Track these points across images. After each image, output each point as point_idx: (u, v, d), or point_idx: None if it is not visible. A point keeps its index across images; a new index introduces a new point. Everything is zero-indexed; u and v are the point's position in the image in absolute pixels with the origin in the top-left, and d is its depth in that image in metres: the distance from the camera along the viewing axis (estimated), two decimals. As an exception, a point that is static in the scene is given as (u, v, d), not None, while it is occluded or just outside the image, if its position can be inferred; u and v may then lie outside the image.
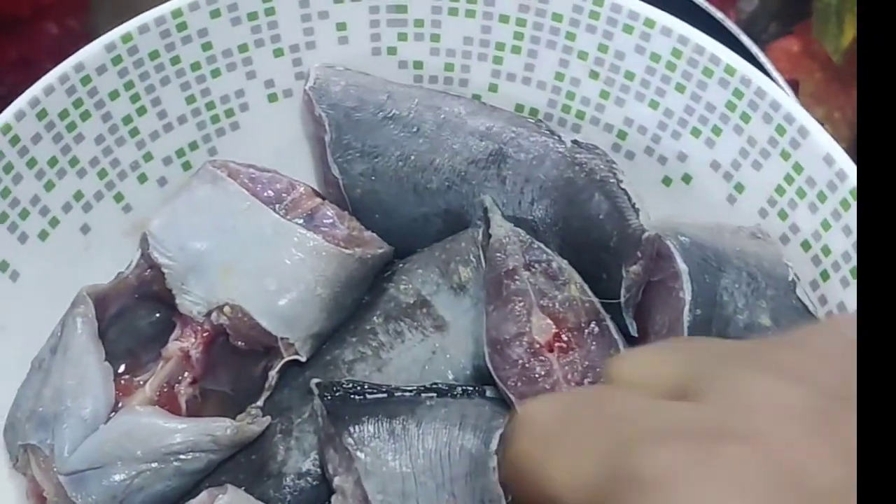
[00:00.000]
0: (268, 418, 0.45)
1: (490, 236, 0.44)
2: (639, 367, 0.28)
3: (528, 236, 0.44)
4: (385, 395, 0.42)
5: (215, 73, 0.50)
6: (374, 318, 0.47)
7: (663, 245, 0.42)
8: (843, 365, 0.25)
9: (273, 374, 0.46)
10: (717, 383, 0.25)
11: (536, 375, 0.40)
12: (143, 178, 0.51)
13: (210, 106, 0.51)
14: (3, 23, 0.65)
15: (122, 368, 0.46)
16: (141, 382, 0.46)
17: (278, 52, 0.51)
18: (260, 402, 0.46)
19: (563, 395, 0.38)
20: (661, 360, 0.27)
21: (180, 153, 0.51)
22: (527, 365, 0.41)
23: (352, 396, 0.42)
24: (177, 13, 0.48)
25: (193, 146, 0.52)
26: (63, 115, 0.47)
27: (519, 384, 0.41)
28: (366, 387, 0.43)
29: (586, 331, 0.42)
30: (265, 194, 0.48)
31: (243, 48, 0.50)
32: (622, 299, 0.43)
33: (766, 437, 0.24)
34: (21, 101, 0.46)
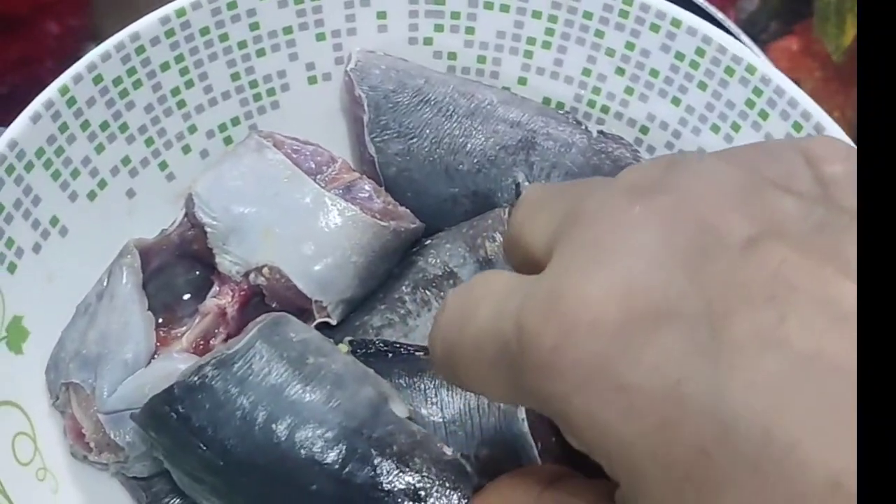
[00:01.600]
0: (298, 373, 0.47)
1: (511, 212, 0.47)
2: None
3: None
4: (415, 352, 0.45)
5: (260, 53, 0.53)
6: (403, 287, 0.49)
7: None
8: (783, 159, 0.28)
9: (306, 334, 0.48)
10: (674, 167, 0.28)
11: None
12: (186, 149, 0.53)
13: (253, 84, 0.54)
14: (4, 22, 0.67)
15: (160, 321, 0.48)
16: (178, 335, 0.49)
17: (320, 37, 0.53)
18: (292, 360, 0.48)
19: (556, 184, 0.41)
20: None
21: (223, 127, 0.54)
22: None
23: (383, 353, 0.44)
24: (228, -8, 0.51)
25: (235, 121, 0.54)
26: (117, 81, 0.50)
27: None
28: (398, 345, 0.45)
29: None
30: (307, 165, 0.50)
31: (288, 30, 0.53)
32: None
33: (694, 195, 0.27)
34: (80, 65, 0.48)
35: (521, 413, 0.42)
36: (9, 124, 0.58)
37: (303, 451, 0.40)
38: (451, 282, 0.48)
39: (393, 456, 0.40)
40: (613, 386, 0.25)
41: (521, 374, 0.27)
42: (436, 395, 0.43)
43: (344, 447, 0.40)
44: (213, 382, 0.41)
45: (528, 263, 0.30)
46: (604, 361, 0.25)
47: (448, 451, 0.40)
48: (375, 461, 0.40)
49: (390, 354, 0.44)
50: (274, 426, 0.40)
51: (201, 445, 0.41)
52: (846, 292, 0.24)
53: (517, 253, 0.32)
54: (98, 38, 0.80)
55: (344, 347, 0.44)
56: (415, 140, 0.52)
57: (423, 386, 0.43)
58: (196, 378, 0.42)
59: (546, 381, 0.26)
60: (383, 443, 0.40)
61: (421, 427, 0.42)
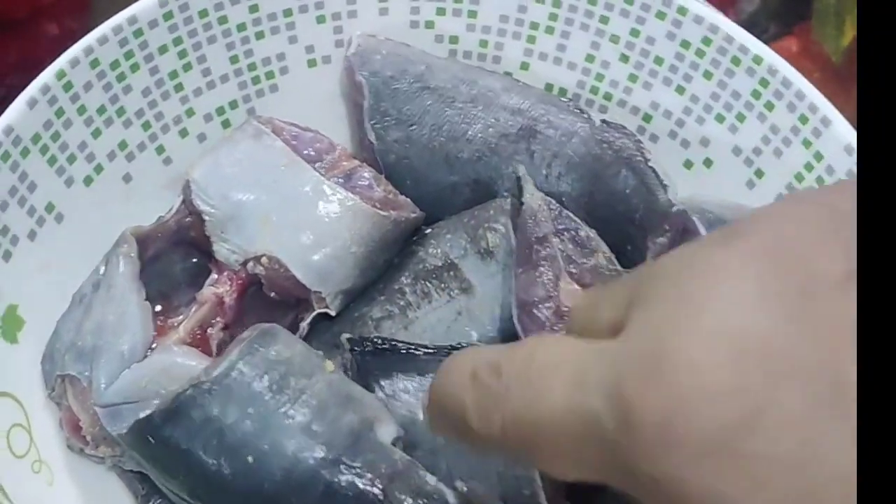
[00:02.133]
0: (296, 364, 0.46)
1: (522, 204, 0.46)
2: None
3: (557, 205, 0.46)
4: (414, 351, 0.44)
5: (259, 36, 0.52)
6: (403, 278, 0.49)
7: (690, 220, 0.44)
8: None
9: (304, 325, 0.47)
10: None
11: (562, 336, 0.42)
12: (184, 133, 0.52)
13: (252, 67, 0.53)
14: (3, 24, 0.66)
15: (156, 309, 0.48)
16: (175, 324, 0.48)
17: (321, 19, 0.53)
18: (289, 352, 0.47)
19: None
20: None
21: (220, 111, 0.53)
22: (554, 328, 0.43)
23: (381, 351, 0.44)
24: (228, -26, 0.50)
25: (233, 105, 0.53)
26: (114, 65, 0.49)
27: (546, 343, 0.42)
28: (395, 342, 0.45)
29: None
30: (306, 152, 0.49)
31: (288, 13, 0.52)
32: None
33: (785, 235, 0.25)
34: (76, 49, 0.47)
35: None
36: None
37: (280, 481, 0.40)
38: (452, 273, 0.48)
39: (373, 486, 0.40)
40: (737, 457, 0.23)
41: (623, 452, 0.24)
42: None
43: (323, 477, 0.40)
44: (191, 410, 0.41)
45: (593, 331, 0.28)
46: (723, 431, 0.23)
47: (431, 480, 0.40)
48: (354, 491, 0.40)
49: (387, 355, 0.44)
50: (252, 455, 0.40)
51: (181, 472, 0.41)
52: None
53: (580, 322, 0.29)
54: None
55: (330, 366, 0.44)
56: (415, 127, 0.51)
57: (423, 389, 0.43)
58: (175, 405, 0.42)
59: (658, 458, 0.23)
60: (363, 472, 0.40)
61: (403, 455, 0.41)
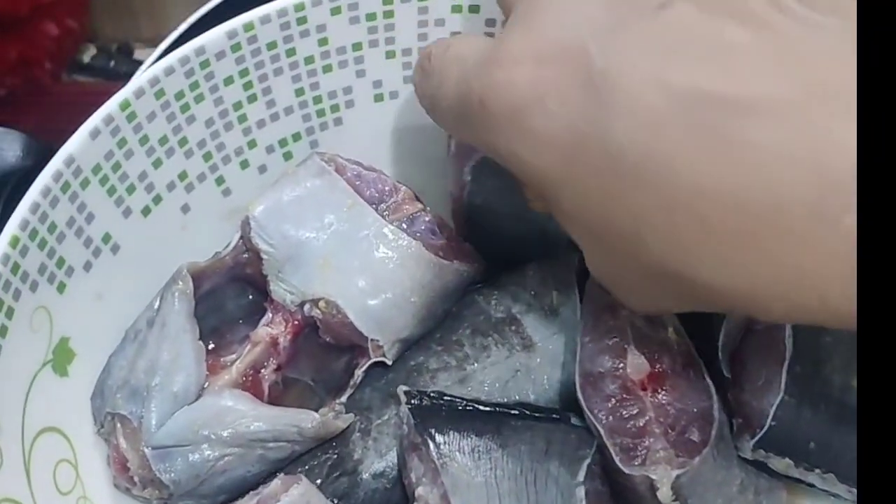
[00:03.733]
0: (351, 415, 0.45)
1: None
2: None
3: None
4: (471, 408, 0.43)
5: (327, 69, 0.51)
6: (462, 329, 0.47)
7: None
8: None
9: (359, 373, 0.46)
10: None
11: (628, 413, 0.41)
12: (244, 164, 0.52)
13: (317, 100, 0.52)
14: (3, 23, 0.66)
15: (209, 347, 0.47)
16: (227, 363, 0.47)
17: (390, 54, 0.51)
18: (343, 399, 0.46)
19: None
20: None
21: (283, 143, 0.52)
22: (619, 401, 0.41)
23: (439, 407, 0.43)
24: (299, 6, 0.49)
25: (296, 137, 0.52)
26: (179, 95, 0.48)
27: (610, 419, 0.41)
28: (454, 399, 0.43)
29: (681, 374, 0.42)
30: (368, 193, 0.48)
31: (357, 47, 0.51)
32: (720, 342, 0.43)
33: None
34: (142, 79, 0.47)
35: (580, 493, 0.40)
36: (8, 124, 0.58)
37: None
38: (513, 328, 0.47)
39: None
40: (523, 129, 0.32)
41: (468, 129, 0.35)
42: (492, 463, 0.41)
43: None
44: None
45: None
46: (516, 110, 0.32)
47: None
48: None
49: (445, 409, 0.43)
50: None
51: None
52: (737, 34, 0.28)
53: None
54: (95, 40, 0.79)
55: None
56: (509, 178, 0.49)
57: (479, 450, 0.41)
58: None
59: (480, 129, 0.34)
60: None
61: None
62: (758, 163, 0.27)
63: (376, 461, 0.45)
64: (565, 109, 0.31)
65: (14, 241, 0.43)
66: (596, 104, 0.30)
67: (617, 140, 0.29)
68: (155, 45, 0.64)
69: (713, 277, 0.29)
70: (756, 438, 0.42)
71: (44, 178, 0.44)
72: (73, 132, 0.45)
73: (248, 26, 0.48)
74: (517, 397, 0.46)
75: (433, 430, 0.42)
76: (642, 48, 0.29)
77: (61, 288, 0.46)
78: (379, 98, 0.53)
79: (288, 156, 0.52)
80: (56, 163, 0.45)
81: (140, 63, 0.62)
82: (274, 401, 0.47)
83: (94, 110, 0.55)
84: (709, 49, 0.28)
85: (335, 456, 0.46)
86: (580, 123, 0.30)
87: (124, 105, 0.46)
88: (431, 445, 0.42)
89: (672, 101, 0.28)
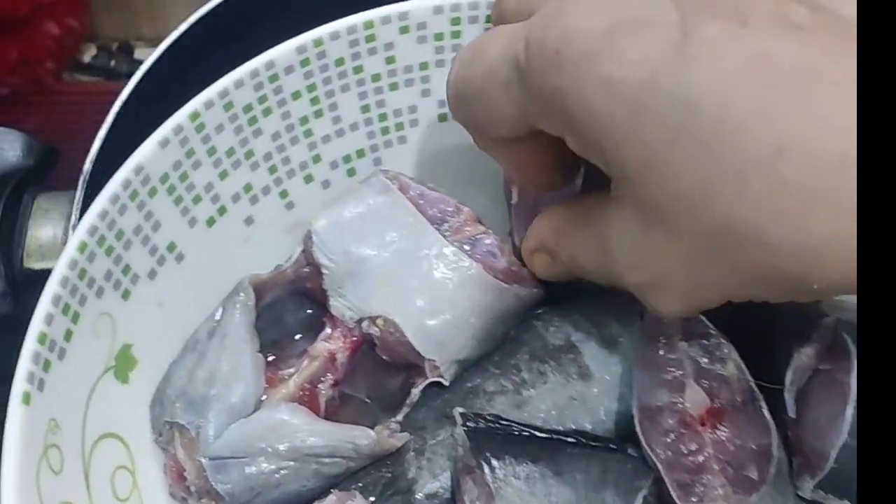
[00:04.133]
0: (406, 434, 0.45)
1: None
2: None
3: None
4: (527, 434, 0.43)
5: (393, 87, 0.51)
6: (520, 354, 0.47)
7: (840, 336, 0.42)
8: None
9: (416, 392, 0.46)
10: None
11: (686, 449, 0.40)
12: (308, 179, 0.52)
13: (382, 117, 0.52)
14: (4, 23, 0.66)
15: (268, 359, 0.47)
16: (285, 376, 0.47)
17: (457, 74, 0.51)
18: (399, 417, 0.46)
19: None
20: None
21: (347, 159, 0.53)
22: (677, 436, 0.41)
23: (495, 430, 0.43)
24: (368, 24, 0.49)
25: (360, 154, 0.53)
26: (247, 108, 0.48)
27: (668, 454, 0.41)
28: (510, 423, 0.43)
29: (740, 410, 0.42)
30: (431, 213, 0.48)
31: (424, 66, 0.51)
32: (787, 380, 0.43)
33: None
34: (211, 91, 0.47)
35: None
36: (8, 124, 0.58)
37: None
38: (571, 356, 0.46)
39: None
40: (602, 78, 0.31)
41: (530, 81, 0.33)
42: (546, 489, 0.41)
43: None
44: None
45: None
46: (594, 58, 0.31)
47: None
48: None
49: (500, 435, 0.43)
50: None
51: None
52: (798, 11, 0.30)
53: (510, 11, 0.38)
54: (96, 39, 0.80)
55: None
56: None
57: (535, 476, 0.41)
58: None
59: (549, 77, 0.32)
60: None
61: None
62: (833, 121, 0.28)
63: (430, 481, 0.45)
64: (644, 57, 0.30)
65: (82, 247, 0.44)
66: (676, 55, 0.30)
67: (695, 94, 0.29)
68: (155, 44, 0.64)
69: (785, 236, 0.30)
70: (817, 480, 0.42)
71: (113, 185, 0.45)
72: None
73: (318, 42, 0.49)
74: (573, 425, 0.45)
75: (488, 454, 0.42)
76: (720, 9, 0.30)
77: (126, 295, 0.46)
78: (443, 118, 0.53)
79: (351, 172, 0.53)
80: (125, 171, 0.45)
81: (141, 62, 0.62)
82: (330, 416, 0.47)
83: (95, 109, 0.56)
84: (773, 20, 0.30)
85: (389, 474, 0.46)
86: (659, 73, 0.30)
87: (193, 116, 0.47)
88: (486, 469, 0.42)
89: (750, 62, 0.29)
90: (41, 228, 0.57)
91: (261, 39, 0.49)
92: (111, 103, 0.60)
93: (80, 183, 0.57)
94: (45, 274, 0.43)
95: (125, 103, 0.60)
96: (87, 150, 0.57)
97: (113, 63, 0.80)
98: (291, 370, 0.48)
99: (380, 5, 0.50)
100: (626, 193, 0.34)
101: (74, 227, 0.53)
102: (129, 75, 0.62)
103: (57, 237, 0.56)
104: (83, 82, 0.79)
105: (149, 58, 0.63)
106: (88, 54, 0.79)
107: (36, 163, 0.58)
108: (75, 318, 0.43)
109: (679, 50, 0.30)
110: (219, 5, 0.65)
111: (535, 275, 0.45)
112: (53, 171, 0.61)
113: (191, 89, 0.47)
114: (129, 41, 0.80)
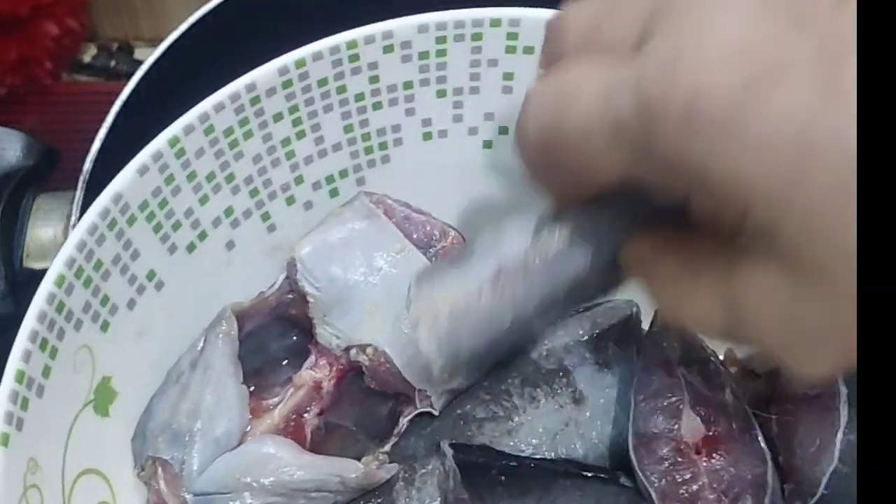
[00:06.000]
0: (395, 465, 0.45)
1: (652, 324, 0.44)
2: None
3: (690, 332, 0.43)
4: (519, 465, 0.42)
5: (377, 106, 0.50)
6: (511, 379, 0.46)
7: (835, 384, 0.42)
8: None
9: (404, 422, 0.45)
10: None
11: (681, 478, 0.40)
12: (290, 201, 0.51)
13: (366, 137, 0.51)
14: (3, 23, 0.65)
15: (251, 389, 0.46)
16: (270, 406, 0.46)
17: (441, 93, 0.51)
18: (387, 448, 0.45)
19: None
20: None
21: (330, 179, 0.51)
22: (672, 464, 0.40)
23: (485, 463, 0.42)
24: (352, 44, 0.48)
25: (343, 174, 0.52)
26: (228, 132, 0.47)
27: (663, 482, 0.40)
28: (502, 455, 0.42)
29: (736, 438, 0.41)
30: (416, 236, 0.47)
31: (408, 85, 0.50)
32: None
33: None
34: (191, 115, 0.46)
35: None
36: (8, 124, 0.57)
37: None
38: (565, 380, 0.46)
39: None
40: (748, 140, 0.26)
41: (651, 142, 0.28)
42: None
43: None
44: None
45: (610, 48, 0.31)
46: (736, 118, 0.26)
47: None
48: None
49: (491, 467, 0.42)
50: None
51: None
52: None
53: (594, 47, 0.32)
54: (96, 39, 0.79)
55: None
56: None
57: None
58: None
59: (679, 142, 0.27)
60: None
61: None
62: None
63: (419, 512, 0.44)
64: (792, 111, 0.27)
65: (60, 280, 0.42)
66: (824, 104, 0.26)
67: (851, 138, 0.26)
68: (155, 44, 0.63)
69: None
70: (809, 506, 0.41)
71: (91, 215, 0.44)
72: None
73: (300, 63, 0.47)
74: (565, 451, 0.45)
75: (481, 486, 0.41)
76: (849, 47, 0.27)
77: (105, 326, 0.45)
78: (427, 136, 0.52)
79: (334, 192, 0.52)
80: (103, 200, 0.44)
81: (141, 62, 0.61)
82: (316, 445, 0.46)
83: (95, 109, 0.55)
84: None
85: (377, 506, 0.45)
86: (812, 127, 0.26)
87: (173, 141, 0.45)
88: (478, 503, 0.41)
89: None
90: (41, 228, 0.55)
91: (261, 40, 0.48)
92: (111, 103, 0.59)
93: (80, 183, 0.56)
94: (45, 274, 0.42)
95: (125, 103, 0.59)
96: (87, 150, 0.56)
97: (113, 63, 0.79)
98: (276, 399, 0.47)
99: (376, 3, 0.49)
100: (773, 253, 0.29)
101: (74, 226, 0.52)
102: (129, 75, 0.61)
103: (57, 237, 0.55)
104: (83, 82, 0.78)
105: (149, 58, 0.62)
106: (88, 54, 0.79)
107: (36, 163, 0.57)
108: (53, 353, 0.42)
109: (829, 99, 0.26)
110: (219, 5, 0.64)
111: None
112: (53, 171, 0.60)
113: (190, 89, 0.46)
114: (129, 41, 0.80)
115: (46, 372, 0.42)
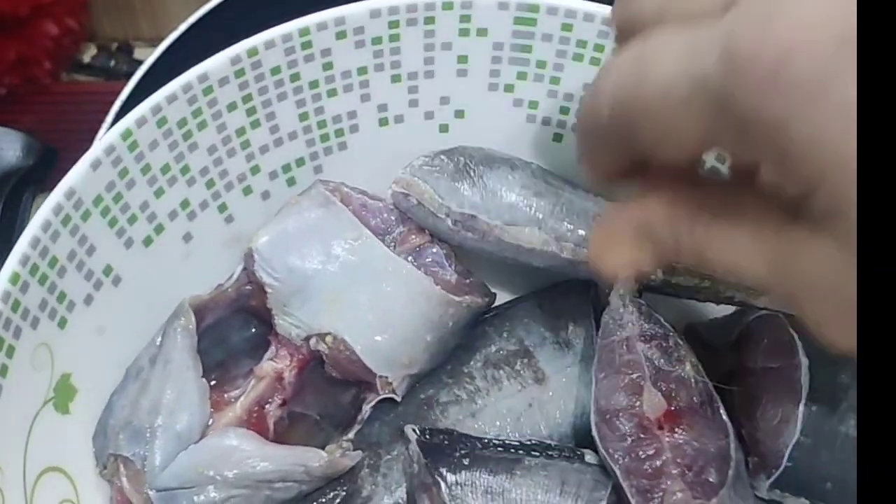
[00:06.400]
0: (359, 453, 0.45)
1: (610, 301, 0.44)
2: None
3: (648, 307, 0.44)
4: (483, 446, 0.42)
5: (331, 93, 0.50)
6: (473, 361, 0.46)
7: (787, 332, 0.42)
8: None
9: (367, 408, 0.45)
10: None
11: (644, 454, 0.40)
12: (247, 191, 0.50)
13: (321, 124, 0.51)
14: (3, 23, 0.65)
15: (212, 382, 0.46)
16: (232, 399, 0.46)
17: (396, 78, 0.50)
18: (351, 435, 0.45)
19: None
20: None
21: (286, 168, 0.51)
22: (635, 440, 0.40)
23: (449, 446, 0.42)
24: (304, 31, 0.48)
25: (300, 162, 0.51)
26: (181, 123, 0.47)
27: (626, 459, 0.40)
28: (466, 438, 0.42)
29: (698, 412, 0.41)
30: (374, 223, 0.47)
31: (362, 71, 0.50)
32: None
33: None
34: (143, 108, 0.45)
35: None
36: (8, 124, 0.57)
37: None
38: (526, 360, 0.46)
39: None
40: (835, 103, 0.25)
41: (733, 103, 0.27)
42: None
43: None
44: None
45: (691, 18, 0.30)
46: (825, 80, 0.25)
47: None
48: None
49: (455, 449, 0.42)
50: None
51: None
52: None
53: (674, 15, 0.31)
54: (95, 39, 0.79)
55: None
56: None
57: (492, 491, 0.40)
58: None
59: (765, 102, 0.26)
60: None
61: None
62: None
63: (386, 497, 0.45)
64: None
65: (14, 278, 0.42)
66: None
67: None
68: (155, 44, 0.63)
69: None
70: (772, 479, 0.42)
71: (44, 211, 0.43)
72: (74, 131, 0.44)
73: (252, 51, 0.47)
74: (529, 431, 0.45)
75: (444, 470, 0.41)
76: None
77: (62, 323, 0.44)
78: (384, 122, 0.52)
79: (291, 181, 0.51)
80: (57, 195, 0.44)
81: (140, 62, 0.61)
82: (280, 436, 0.46)
83: (95, 109, 0.54)
84: None
85: (344, 493, 0.45)
86: None
87: (126, 134, 0.45)
88: (443, 486, 0.41)
89: None
90: (40, 228, 0.55)
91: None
92: (111, 103, 0.59)
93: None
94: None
95: (125, 103, 0.59)
96: (87, 150, 0.56)
97: (113, 63, 0.78)
98: (237, 391, 0.47)
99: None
100: (838, 233, 0.28)
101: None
102: (129, 75, 0.61)
103: (56, 236, 0.55)
104: (82, 82, 0.77)
105: (149, 58, 0.62)
106: (88, 54, 0.78)
107: (35, 163, 0.57)
108: (10, 352, 0.42)
109: None
110: (219, 5, 0.64)
111: (609, 266, 0.35)
112: (52, 170, 0.60)
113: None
114: (128, 41, 0.79)
115: (4, 371, 0.41)
